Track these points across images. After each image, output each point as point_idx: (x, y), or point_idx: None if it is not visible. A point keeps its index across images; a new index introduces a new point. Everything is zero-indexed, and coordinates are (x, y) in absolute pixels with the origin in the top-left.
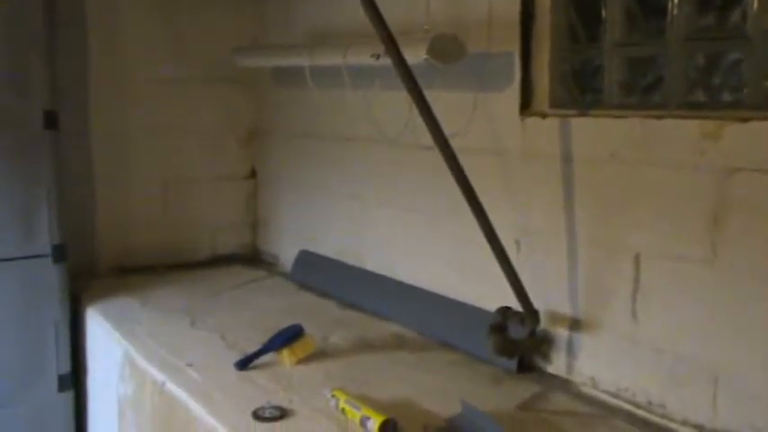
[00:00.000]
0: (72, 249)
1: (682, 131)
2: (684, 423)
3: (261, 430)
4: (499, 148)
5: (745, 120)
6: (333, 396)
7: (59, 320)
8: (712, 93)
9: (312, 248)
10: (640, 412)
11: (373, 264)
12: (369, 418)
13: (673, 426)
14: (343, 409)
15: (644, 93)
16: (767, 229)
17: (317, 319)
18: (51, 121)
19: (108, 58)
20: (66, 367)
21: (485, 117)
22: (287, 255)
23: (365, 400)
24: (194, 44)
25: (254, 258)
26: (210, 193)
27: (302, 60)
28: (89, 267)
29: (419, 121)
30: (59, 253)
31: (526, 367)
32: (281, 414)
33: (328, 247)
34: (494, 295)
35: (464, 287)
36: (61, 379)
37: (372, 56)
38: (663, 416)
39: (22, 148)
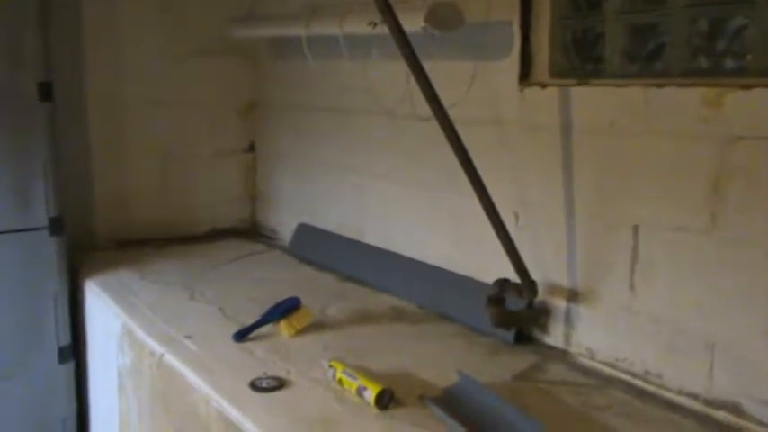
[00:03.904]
0: (70, 222)
1: (683, 100)
2: (680, 392)
3: (258, 400)
4: (498, 119)
5: (747, 87)
6: (330, 367)
7: (58, 293)
8: (715, 60)
9: (311, 222)
10: (637, 382)
11: (372, 237)
12: (365, 388)
13: (669, 395)
14: (340, 380)
15: (646, 61)
16: (766, 196)
17: (316, 291)
18: (46, 92)
19: (103, 30)
20: (66, 339)
21: (484, 87)
22: (286, 228)
23: (362, 370)
24: (191, 16)
25: (253, 232)
26: (209, 167)
27: (298, 30)
28: (88, 240)
29: (417, 91)
30: (57, 226)
31: (524, 338)
32: (279, 384)
33: (327, 221)
34: (492, 267)
35: (463, 259)
36: (61, 351)
37: (369, 24)
38: (659, 385)
39: (18, 121)
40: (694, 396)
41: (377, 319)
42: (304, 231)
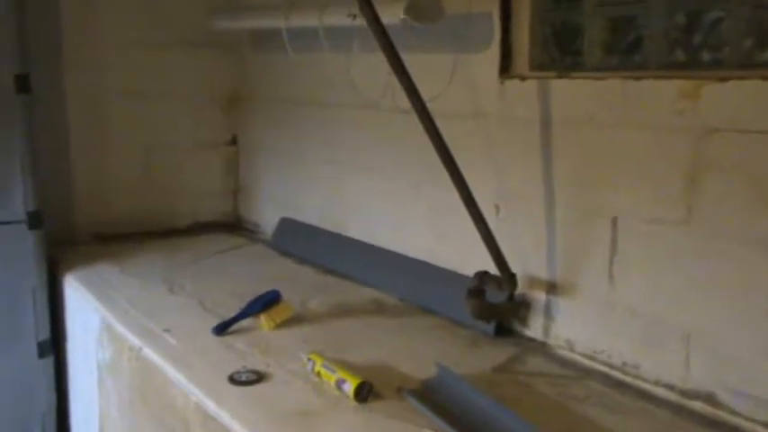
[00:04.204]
0: (50, 216)
1: (660, 92)
2: (657, 383)
3: (237, 394)
4: (478, 112)
5: (723, 79)
6: (309, 360)
7: (37, 287)
8: (693, 52)
9: (294, 216)
10: (615, 373)
11: (354, 230)
12: (344, 381)
13: (646, 386)
14: (318, 373)
15: (624, 54)
16: (742, 190)
17: (297, 285)
18: (23, 84)
19: (82, 21)
20: (45, 334)
21: (464, 80)
22: (268, 222)
23: (341, 363)
24: (172, 7)
25: (235, 226)
26: (191, 161)
27: (278, 22)
28: (68, 235)
29: (398, 84)
30: (35, 219)
31: (504, 331)
32: (258, 378)
33: (309, 214)
34: (474, 260)
35: (444, 252)
36: (40, 345)
37: (348, 15)
38: (636, 377)
39: None
40: (670, 387)
41: (357, 312)
42: (286, 225)
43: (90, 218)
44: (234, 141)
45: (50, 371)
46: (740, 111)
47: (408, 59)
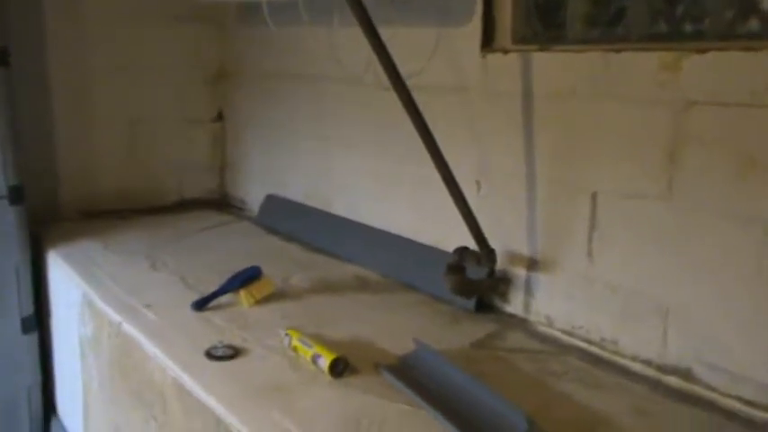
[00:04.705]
0: (33, 192)
1: (641, 64)
2: (635, 359)
3: (212, 368)
4: (460, 86)
5: (703, 51)
6: (286, 335)
7: (20, 263)
8: (675, 24)
9: (280, 192)
10: (593, 349)
11: (339, 207)
12: (320, 356)
13: (623, 362)
14: (295, 348)
15: (607, 26)
16: (722, 164)
17: (281, 261)
18: (2, 57)
19: None
20: (28, 310)
21: (446, 54)
22: (255, 199)
23: (319, 338)
24: None
25: (222, 203)
26: (177, 137)
27: None
28: (52, 211)
29: None
30: (16, 195)
31: (485, 307)
32: (234, 353)
33: (295, 191)
34: (456, 237)
35: (427, 229)
36: (24, 321)
37: None
38: (614, 352)
39: None
40: (648, 362)
41: (340, 288)
42: (272, 202)
43: (75, 195)
44: (220, 117)
45: (35, 346)
46: (720, 83)
47: (389, 34)
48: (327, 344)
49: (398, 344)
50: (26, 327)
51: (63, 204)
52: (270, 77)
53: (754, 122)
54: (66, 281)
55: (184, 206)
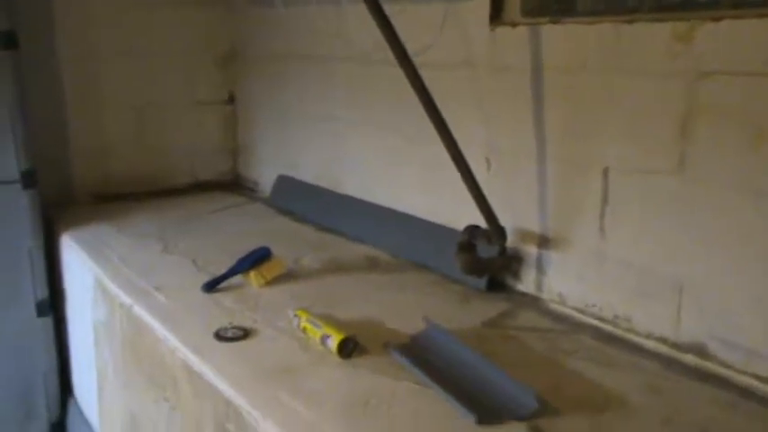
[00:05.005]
0: (46, 176)
1: (653, 35)
2: (649, 336)
3: (222, 350)
4: (469, 62)
5: (717, 19)
6: (295, 316)
7: (33, 247)
8: None
9: (292, 173)
10: (606, 327)
11: (350, 187)
12: (329, 337)
13: (637, 339)
14: (304, 329)
15: None
16: (736, 135)
17: (292, 242)
18: (9, 41)
19: None
20: (43, 294)
21: (454, 29)
22: (267, 180)
23: (328, 319)
24: None
25: (235, 185)
26: (188, 119)
27: None
28: (66, 195)
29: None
30: (29, 179)
31: (497, 286)
32: (244, 334)
33: (307, 172)
34: (467, 215)
35: (438, 208)
36: (39, 305)
37: None
38: (628, 330)
39: None
40: (662, 339)
41: (350, 268)
42: (284, 183)
43: (88, 178)
44: (231, 99)
45: (50, 330)
46: (735, 52)
47: (396, 10)
48: (337, 324)
49: (409, 324)
50: (41, 311)
51: (76, 188)
52: (280, 58)
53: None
54: (79, 264)
55: (197, 188)
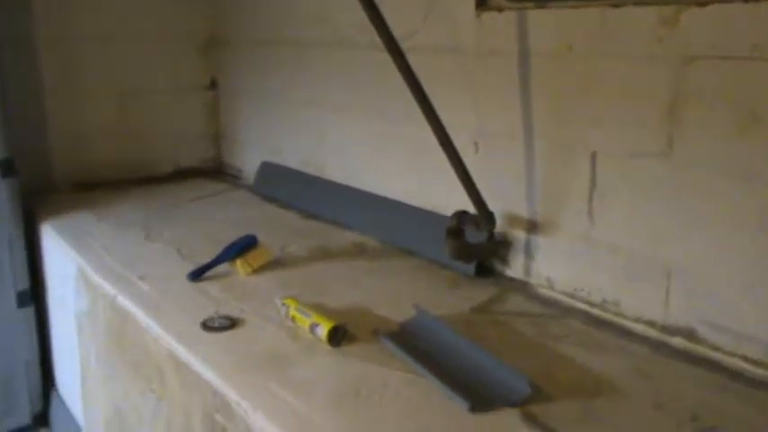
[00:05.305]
0: (26, 164)
1: (639, 19)
2: (638, 320)
3: (209, 340)
4: (455, 47)
5: (703, 4)
6: (283, 304)
7: (13, 237)
8: None
9: (276, 160)
10: (595, 311)
11: (335, 173)
12: (318, 325)
13: (626, 323)
14: (293, 317)
15: None
16: (723, 118)
17: (278, 229)
18: None
19: None
20: (24, 284)
21: (440, 14)
22: (251, 167)
23: (316, 307)
24: None
25: (218, 172)
26: (170, 106)
27: None
28: (46, 183)
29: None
30: (7, 167)
31: (485, 271)
32: (231, 324)
33: (291, 158)
34: (456, 200)
35: (425, 193)
36: (20, 295)
37: None
38: (617, 314)
39: None
40: (651, 323)
41: (337, 255)
42: (268, 169)
43: (68, 166)
44: (214, 85)
45: (31, 320)
46: (721, 36)
47: None
48: (326, 312)
49: (398, 310)
50: (22, 301)
51: (56, 177)
52: (263, 43)
53: (756, 76)
54: (60, 254)
55: (180, 176)
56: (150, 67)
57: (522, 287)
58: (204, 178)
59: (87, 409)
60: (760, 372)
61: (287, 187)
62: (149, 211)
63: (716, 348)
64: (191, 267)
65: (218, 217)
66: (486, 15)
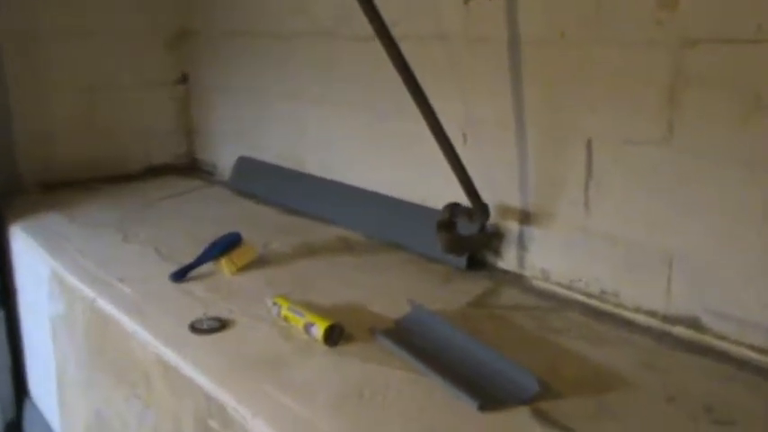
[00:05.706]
0: None
1: (636, 2)
2: (638, 310)
3: (199, 342)
4: (442, 34)
5: None
6: (274, 304)
7: None
8: None
9: (252, 154)
10: (593, 302)
11: (315, 167)
12: (313, 325)
13: (626, 314)
14: (285, 317)
15: None
16: (724, 103)
17: (258, 226)
18: None
19: None
20: None
21: (426, 1)
22: (226, 163)
23: (309, 306)
24: None
25: (191, 168)
26: (140, 102)
27: None
28: (13, 185)
29: (356, 9)
30: None
31: (477, 264)
32: (221, 325)
33: (268, 153)
34: (444, 193)
35: (412, 186)
36: None
37: None
38: (616, 305)
39: None
40: (652, 313)
41: (323, 251)
42: (244, 165)
43: (36, 166)
44: (184, 79)
45: (2, 326)
46: (724, 18)
47: None
48: (318, 311)
49: (391, 306)
50: None
51: (23, 176)
52: (235, 35)
53: (761, 59)
54: (32, 257)
55: (152, 173)
56: (118, 61)
57: (517, 279)
58: (177, 175)
59: (65, 417)
60: (767, 360)
61: (265, 182)
62: (123, 210)
63: (721, 337)
64: (171, 268)
65: (195, 214)
66: (474, 2)
